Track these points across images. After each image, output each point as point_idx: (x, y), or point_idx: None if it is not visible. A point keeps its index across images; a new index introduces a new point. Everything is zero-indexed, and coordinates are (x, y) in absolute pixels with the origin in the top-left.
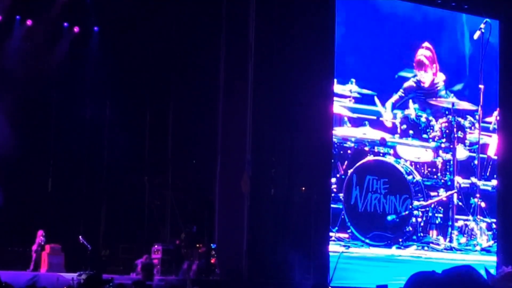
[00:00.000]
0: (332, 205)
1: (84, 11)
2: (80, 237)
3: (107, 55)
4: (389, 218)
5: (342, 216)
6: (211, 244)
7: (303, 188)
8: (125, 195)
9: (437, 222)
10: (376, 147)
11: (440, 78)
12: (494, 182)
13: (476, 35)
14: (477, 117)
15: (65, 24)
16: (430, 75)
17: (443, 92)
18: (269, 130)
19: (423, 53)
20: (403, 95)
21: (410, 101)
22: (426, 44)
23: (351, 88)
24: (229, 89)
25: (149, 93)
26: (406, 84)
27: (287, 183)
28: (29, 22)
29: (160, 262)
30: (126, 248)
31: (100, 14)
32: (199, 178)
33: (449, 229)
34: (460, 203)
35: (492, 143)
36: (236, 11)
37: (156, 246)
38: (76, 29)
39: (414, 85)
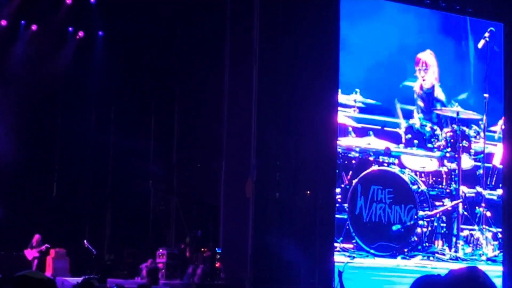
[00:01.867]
0: (336, 216)
1: (88, 16)
2: (85, 241)
3: (111, 60)
4: (394, 228)
5: (347, 227)
6: (216, 248)
7: (308, 192)
8: (130, 199)
9: (442, 232)
10: (380, 157)
11: (438, 89)
12: (499, 192)
13: (480, 44)
14: (482, 126)
15: (70, 28)
16: (431, 76)
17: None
18: (273, 134)
19: (425, 55)
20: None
21: (415, 110)
22: (429, 51)
23: (356, 98)
24: (233, 94)
25: (154, 97)
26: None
27: (292, 187)
28: (34, 27)
29: (165, 266)
30: (131, 253)
31: (105, 19)
32: (203, 182)
33: (455, 239)
34: (465, 213)
35: (497, 152)
36: (241, 17)
37: (161, 250)
38: (80, 33)
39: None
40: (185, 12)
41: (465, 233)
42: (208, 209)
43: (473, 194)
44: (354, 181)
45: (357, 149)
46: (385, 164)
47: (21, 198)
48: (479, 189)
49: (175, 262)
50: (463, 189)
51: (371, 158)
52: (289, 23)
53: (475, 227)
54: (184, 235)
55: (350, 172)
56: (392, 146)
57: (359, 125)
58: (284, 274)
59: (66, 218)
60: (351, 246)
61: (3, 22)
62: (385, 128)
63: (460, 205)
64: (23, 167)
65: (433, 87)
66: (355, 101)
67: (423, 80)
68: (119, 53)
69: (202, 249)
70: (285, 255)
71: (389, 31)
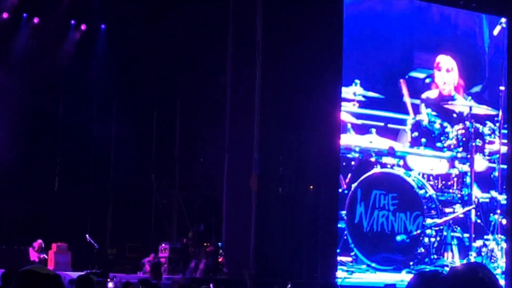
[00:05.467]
0: None
1: (91, 8)
2: (87, 235)
3: (114, 53)
4: (398, 238)
5: (345, 237)
6: (219, 243)
7: (311, 186)
8: (132, 194)
9: (452, 242)
10: (383, 158)
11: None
12: None
13: (496, 31)
14: (497, 123)
15: (72, 21)
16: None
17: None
18: (276, 129)
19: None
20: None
21: (423, 105)
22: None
23: (355, 90)
24: (236, 88)
25: (156, 91)
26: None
27: (295, 181)
28: (36, 20)
29: (168, 260)
30: (133, 247)
31: (107, 12)
32: (206, 177)
33: (466, 250)
34: (478, 221)
35: None
36: (244, 11)
37: (163, 245)
38: (83, 26)
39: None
40: (188, 6)
41: (478, 243)
42: (211, 203)
43: (487, 200)
44: (354, 185)
45: (357, 149)
46: (389, 166)
47: (23, 192)
48: (494, 193)
49: (178, 257)
50: (476, 193)
51: (372, 159)
52: (292, 18)
53: (490, 236)
54: (186, 229)
55: (349, 175)
56: (397, 145)
57: (359, 122)
58: (287, 268)
59: (68, 212)
60: (349, 259)
61: (5, 15)
62: (389, 125)
63: (473, 211)
64: (25, 161)
65: (451, 97)
66: (354, 94)
67: (444, 84)
68: (122, 46)
69: (205, 244)
70: (288, 249)
71: (394, 18)
